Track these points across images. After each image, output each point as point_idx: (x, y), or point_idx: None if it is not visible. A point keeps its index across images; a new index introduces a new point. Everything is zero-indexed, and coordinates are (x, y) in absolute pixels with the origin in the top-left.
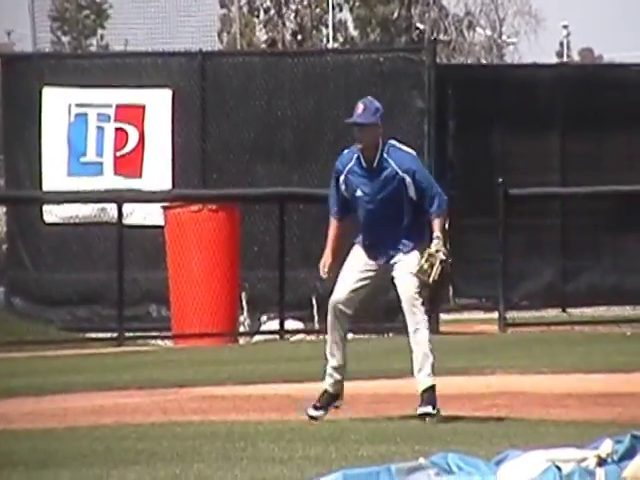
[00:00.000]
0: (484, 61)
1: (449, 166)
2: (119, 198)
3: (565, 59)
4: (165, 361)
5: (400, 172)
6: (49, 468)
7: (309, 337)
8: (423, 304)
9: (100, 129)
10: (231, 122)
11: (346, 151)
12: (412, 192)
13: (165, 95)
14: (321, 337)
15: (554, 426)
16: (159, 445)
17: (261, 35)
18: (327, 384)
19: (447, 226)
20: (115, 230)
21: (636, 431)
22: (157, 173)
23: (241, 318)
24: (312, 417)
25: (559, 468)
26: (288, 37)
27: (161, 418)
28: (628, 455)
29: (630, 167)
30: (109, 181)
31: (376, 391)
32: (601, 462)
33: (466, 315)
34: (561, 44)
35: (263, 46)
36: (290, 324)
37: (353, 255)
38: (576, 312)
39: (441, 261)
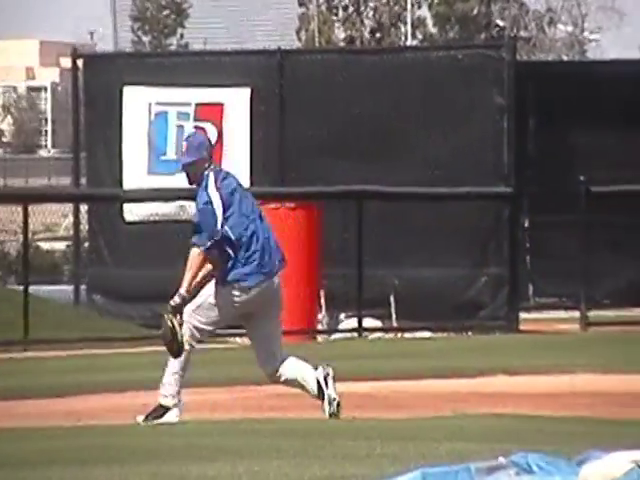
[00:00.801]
0: (565, 57)
1: (529, 163)
2: None
3: None
4: (244, 358)
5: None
6: (130, 464)
7: (387, 335)
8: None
9: (180, 127)
10: (309, 120)
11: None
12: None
13: (244, 93)
14: (399, 335)
15: (637, 426)
16: (239, 441)
17: (339, 33)
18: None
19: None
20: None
21: None
22: (235, 171)
23: (319, 316)
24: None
25: None
26: (367, 35)
27: (240, 415)
28: None
29: None
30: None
31: (455, 389)
32: None
33: (547, 314)
34: None
35: (341, 44)
36: (368, 322)
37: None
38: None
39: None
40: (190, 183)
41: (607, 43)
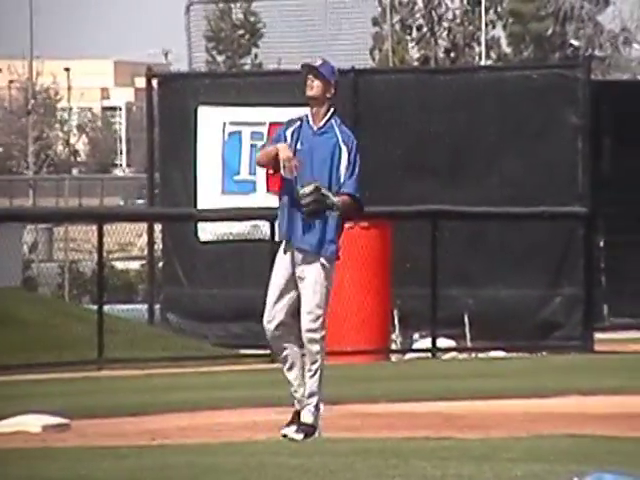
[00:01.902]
0: None
1: (604, 182)
2: (271, 216)
3: None
4: None
5: (340, 141)
6: None
7: (461, 355)
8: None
9: (254, 147)
10: (383, 139)
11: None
12: (342, 166)
13: None
14: (473, 355)
15: None
16: (312, 461)
17: (413, 53)
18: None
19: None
20: (268, 247)
21: None
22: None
23: (393, 336)
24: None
25: None
26: (441, 54)
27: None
28: None
29: None
30: (262, 198)
31: (529, 410)
32: None
33: (622, 334)
34: None
35: (415, 64)
36: (442, 342)
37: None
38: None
39: (321, 198)
40: (306, 89)
41: None
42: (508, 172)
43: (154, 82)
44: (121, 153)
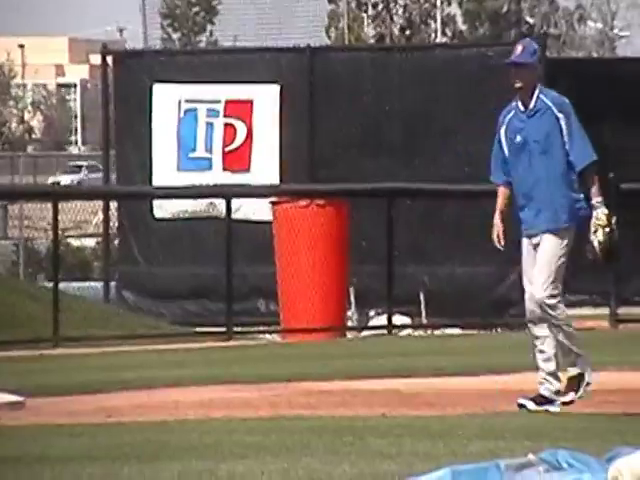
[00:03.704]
0: (595, 55)
1: None
2: (227, 193)
3: None
4: (273, 356)
5: (555, 110)
6: (160, 460)
7: (417, 332)
8: (557, 301)
9: (209, 124)
10: (339, 117)
11: (506, 108)
12: (566, 136)
13: (273, 90)
14: (429, 332)
15: None
16: (268, 439)
17: (369, 30)
18: (542, 389)
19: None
20: (224, 225)
21: None
22: (265, 168)
23: (349, 313)
24: (521, 405)
25: None
26: (396, 32)
27: (270, 412)
28: None
29: None
30: (218, 176)
31: (484, 387)
32: None
33: (577, 311)
34: None
35: (371, 41)
36: (398, 319)
37: (523, 257)
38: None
39: (600, 243)
40: (512, 83)
41: (637, 40)
42: (464, 150)
43: (109, 59)
44: (76, 131)
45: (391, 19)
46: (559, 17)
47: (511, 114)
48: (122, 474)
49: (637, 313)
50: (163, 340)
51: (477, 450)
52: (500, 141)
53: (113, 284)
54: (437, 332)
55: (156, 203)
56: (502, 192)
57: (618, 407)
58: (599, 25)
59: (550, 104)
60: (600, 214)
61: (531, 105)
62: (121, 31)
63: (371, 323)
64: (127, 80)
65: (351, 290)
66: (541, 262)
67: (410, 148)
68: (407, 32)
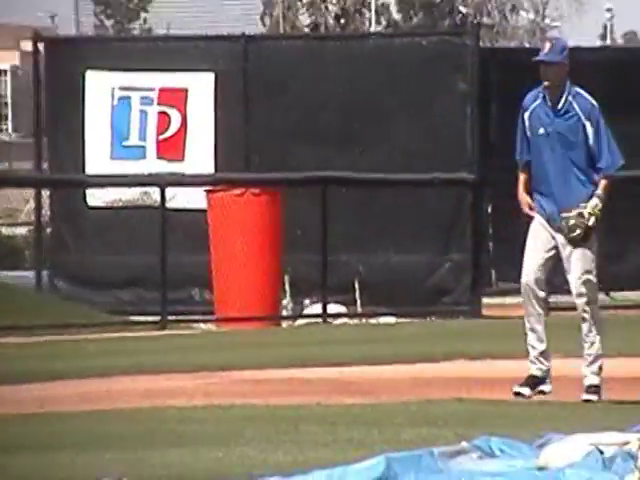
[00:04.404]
0: (527, 44)
1: (492, 149)
2: (162, 182)
3: (608, 42)
4: (208, 344)
5: (583, 118)
6: (93, 449)
7: (352, 321)
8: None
9: (143, 112)
10: (274, 106)
11: (532, 92)
12: (591, 141)
13: (208, 78)
14: (364, 321)
15: (596, 410)
16: (202, 428)
17: (304, 19)
18: (534, 369)
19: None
20: (158, 214)
21: None
22: (200, 157)
23: (284, 302)
24: (518, 393)
25: (601, 452)
26: (331, 21)
27: (204, 401)
28: None
29: None
30: (152, 165)
31: (418, 375)
32: None
33: (509, 299)
34: (604, 27)
35: (306, 30)
36: (333, 308)
37: (532, 232)
38: (620, 296)
39: (586, 227)
40: (543, 81)
41: (568, 30)
42: (398, 139)
43: (41, 46)
44: (7, 118)
45: (326, 8)
46: (492, 7)
47: (537, 102)
48: (55, 463)
49: (566, 301)
50: (97, 329)
51: (411, 437)
52: (524, 124)
53: (45, 273)
54: (372, 321)
55: (89, 191)
56: (522, 175)
57: (549, 394)
58: (531, 15)
59: (578, 110)
60: (596, 203)
61: (559, 106)
62: (53, 18)
63: (306, 312)
64: (59, 67)
65: (286, 279)
66: (577, 255)
67: (345, 137)
68: (342, 21)
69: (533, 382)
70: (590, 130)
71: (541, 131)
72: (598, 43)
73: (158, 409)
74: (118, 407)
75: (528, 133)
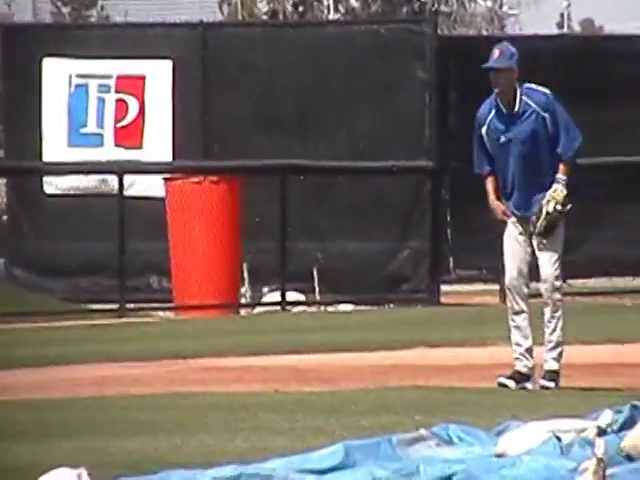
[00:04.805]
0: (485, 32)
1: (451, 137)
2: (120, 169)
3: (566, 30)
4: (167, 332)
5: (541, 111)
6: (52, 438)
7: (310, 309)
8: (561, 283)
9: (100, 100)
10: (232, 93)
11: (485, 102)
12: (551, 131)
13: (166, 66)
14: (322, 308)
15: (554, 396)
16: (161, 416)
17: (262, 6)
18: (519, 365)
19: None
20: (116, 201)
21: (636, 401)
22: (158, 144)
23: (242, 290)
24: (502, 384)
25: (559, 438)
26: (289, 8)
27: (163, 389)
28: (627, 425)
29: (629, 138)
30: (110, 152)
31: (377, 362)
32: (601, 432)
33: (467, 287)
34: (562, 15)
35: (264, 17)
36: (291, 296)
37: (507, 233)
38: (577, 283)
39: (547, 213)
40: (493, 88)
41: (526, 18)
42: (357, 127)
43: None
44: None
45: None
46: None
47: (492, 114)
48: (12, 453)
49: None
50: (54, 317)
51: (370, 425)
52: (482, 138)
53: (1, 261)
54: (330, 308)
55: (46, 179)
56: (490, 182)
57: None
58: (489, 3)
59: (534, 106)
60: (559, 189)
61: (515, 109)
62: (9, 4)
63: (264, 300)
64: (16, 54)
65: (244, 267)
66: (550, 246)
67: (303, 125)
68: (300, 8)
69: (519, 377)
70: (549, 120)
71: (502, 139)
72: (556, 31)
73: (117, 397)
74: (77, 396)
75: (488, 145)
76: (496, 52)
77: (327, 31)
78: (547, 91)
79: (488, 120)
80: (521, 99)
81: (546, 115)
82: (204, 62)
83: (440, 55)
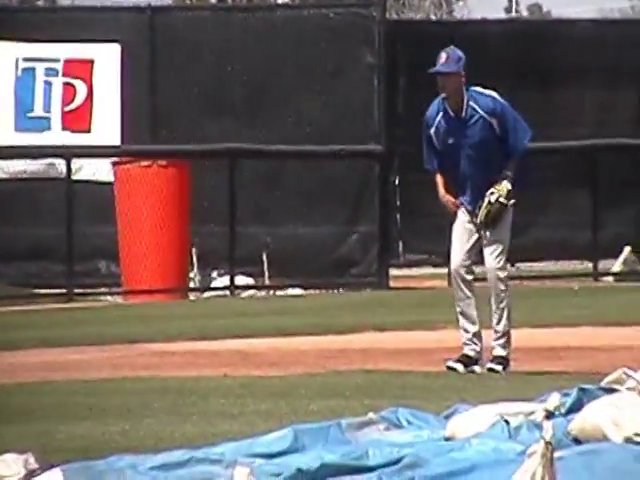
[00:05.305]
0: (433, 17)
1: (399, 122)
2: (67, 153)
3: (514, 15)
4: (115, 317)
5: (488, 117)
6: None
7: (259, 293)
8: (506, 274)
9: (48, 84)
10: (181, 77)
11: (434, 103)
12: (499, 134)
13: (114, 50)
14: (272, 293)
15: (503, 380)
16: (109, 401)
17: None
18: (467, 350)
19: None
20: (64, 185)
21: (583, 384)
22: (106, 128)
23: (191, 274)
24: (451, 368)
25: (507, 422)
26: None
27: (111, 374)
28: (575, 408)
29: (578, 123)
30: (57, 136)
31: (326, 346)
32: (549, 415)
33: (416, 271)
34: (509, 0)
35: (213, 1)
36: (240, 280)
37: (457, 223)
38: (525, 267)
39: (488, 203)
40: (440, 92)
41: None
42: (306, 111)
43: None
44: None
45: None
46: None
47: (439, 116)
48: None
49: (475, 272)
50: (2, 302)
51: (319, 409)
52: (430, 138)
53: None
54: (280, 292)
55: None
56: (439, 178)
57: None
58: None
59: (481, 112)
60: (504, 184)
61: (462, 114)
62: None
63: (214, 284)
64: None
65: (193, 251)
66: (494, 238)
67: (252, 109)
68: None
69: (467, 361)
70: (496, 125)
71: (450, 141)
72: (503, 15)
73: (65, 382)
74: (24, 381)
75: (437, 145)
76: (443, 56)
77: (276, 15)
78: (494, 94)
79: (436, 122)
80: (468, 104)
81: (493, 120)
82: (152, 46)
83: (389, 39)
